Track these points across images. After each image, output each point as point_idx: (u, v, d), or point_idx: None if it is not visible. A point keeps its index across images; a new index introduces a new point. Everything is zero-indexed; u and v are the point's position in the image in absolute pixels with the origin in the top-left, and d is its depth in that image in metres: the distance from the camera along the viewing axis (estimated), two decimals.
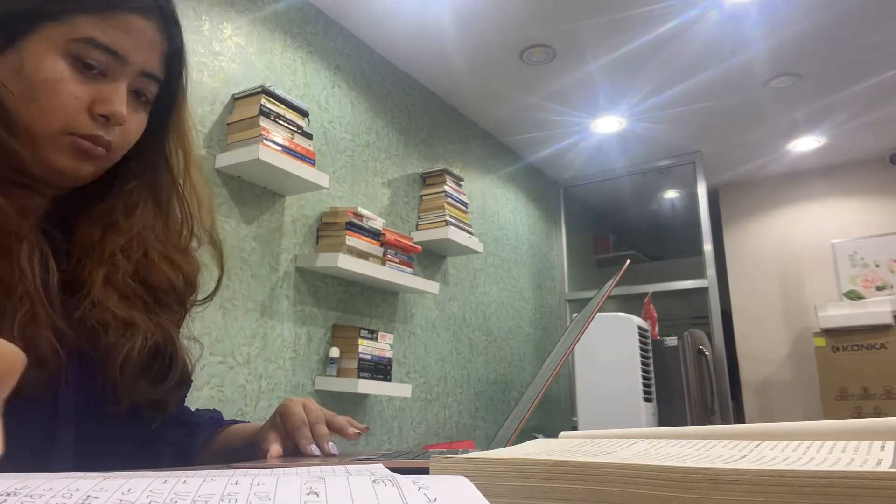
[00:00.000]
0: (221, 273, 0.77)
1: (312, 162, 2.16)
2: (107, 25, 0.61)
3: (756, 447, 0.34)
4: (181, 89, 0.71)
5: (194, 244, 0.74)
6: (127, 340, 0.62)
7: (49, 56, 0.60)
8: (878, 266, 3.96)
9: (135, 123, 0.67)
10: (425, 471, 0.34)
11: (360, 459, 0.59)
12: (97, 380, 0.61)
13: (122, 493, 0.20)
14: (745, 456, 0.30)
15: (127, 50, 0.63)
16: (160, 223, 0.70)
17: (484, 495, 0.30)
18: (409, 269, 2.55)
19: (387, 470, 0.28)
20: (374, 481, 0.24)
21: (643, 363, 3.15)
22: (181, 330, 0.72)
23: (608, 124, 3.55)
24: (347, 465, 0.32)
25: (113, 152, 0.65)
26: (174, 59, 0.69)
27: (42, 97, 0.59)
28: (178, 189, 0.73)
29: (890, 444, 0.32)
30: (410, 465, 0.43)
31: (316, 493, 0.22)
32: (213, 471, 0.27)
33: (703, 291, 3.78)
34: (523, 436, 0.65)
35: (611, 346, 3.15)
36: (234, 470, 0.27)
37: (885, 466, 0.25)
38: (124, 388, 0.61)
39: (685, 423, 3.25)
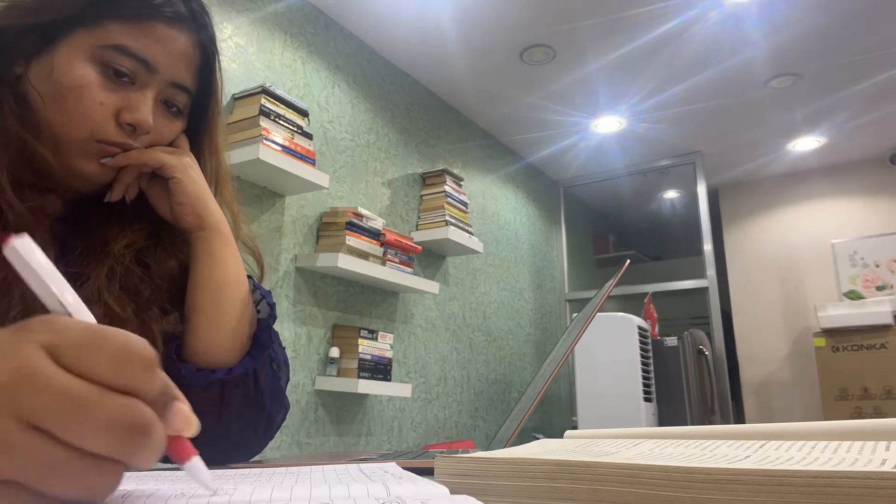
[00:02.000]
0: (260, 281, 0.76)
1: (312, 162, 2.16)
2: (138, 33, 0.61)
3: (760, 447, 0.34)
4: (214, 101, 0.71)
5: None
6: None
7: (77, 61, 0.60)
8: (878, 266, 3.96)
9: (165, 132, 0.66)
10: (430, 471, 0.35)
11: (361, 459, 0.59)
12: None
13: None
14: (748, 456, 0.30)
15: (157, 59, 0.62)
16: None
17: (487, 495, 0.30)
18: (409, 269, 2.55)
19: (401, 469, 0.28)
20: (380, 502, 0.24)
21: (643, 363, 3.14)
22: None
23: (608, 124, 3.55)
24: (362, 465, 0.32)
25: None
26: (207, 71, 0.69)
27: (68, 102, 0.59)
28: None
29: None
30: (416, 464, 0.44)
31: None
32: (227, 470, 0.27)
33: (703, 291, 3.78)
34: (523, 436, 0.65)
35: (611, 346, 3.15)
36: (248, 470, 0.27)
37: (888, 466, 0.25)
38: None
39: (685, 423, 3.25)
